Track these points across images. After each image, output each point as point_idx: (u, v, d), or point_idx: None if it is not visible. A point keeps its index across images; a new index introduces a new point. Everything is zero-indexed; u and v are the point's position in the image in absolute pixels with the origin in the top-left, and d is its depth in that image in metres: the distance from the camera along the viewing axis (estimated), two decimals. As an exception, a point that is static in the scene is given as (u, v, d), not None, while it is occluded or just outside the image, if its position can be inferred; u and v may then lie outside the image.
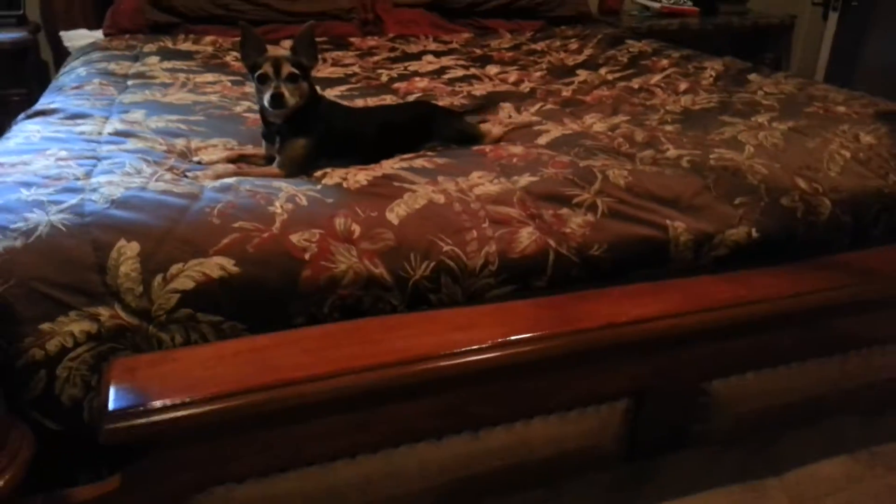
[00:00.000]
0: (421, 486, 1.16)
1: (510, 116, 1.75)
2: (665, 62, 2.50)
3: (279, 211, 1.13)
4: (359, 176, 1.30)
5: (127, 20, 2.74)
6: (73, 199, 1.12)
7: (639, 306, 1.19)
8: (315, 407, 1.02)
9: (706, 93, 2.05)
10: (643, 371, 1.24)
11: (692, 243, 1.27)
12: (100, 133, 1.49)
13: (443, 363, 1.04)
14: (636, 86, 2.18)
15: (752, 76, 2.25)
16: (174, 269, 1.03)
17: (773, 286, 1.26)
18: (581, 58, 2.64)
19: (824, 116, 1.74)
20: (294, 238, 1.09)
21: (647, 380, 1.26)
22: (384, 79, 2.26)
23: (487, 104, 1.89)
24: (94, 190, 1.15)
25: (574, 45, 2.87)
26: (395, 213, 1.18)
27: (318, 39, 2.72)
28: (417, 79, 2.23)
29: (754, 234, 1.31)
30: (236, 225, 1.09)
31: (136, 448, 0.95)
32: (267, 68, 1.36)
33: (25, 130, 1.52)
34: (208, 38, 2.71)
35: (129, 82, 2.04)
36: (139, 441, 0.95)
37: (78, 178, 1.22)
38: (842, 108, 1.80)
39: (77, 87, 1.95)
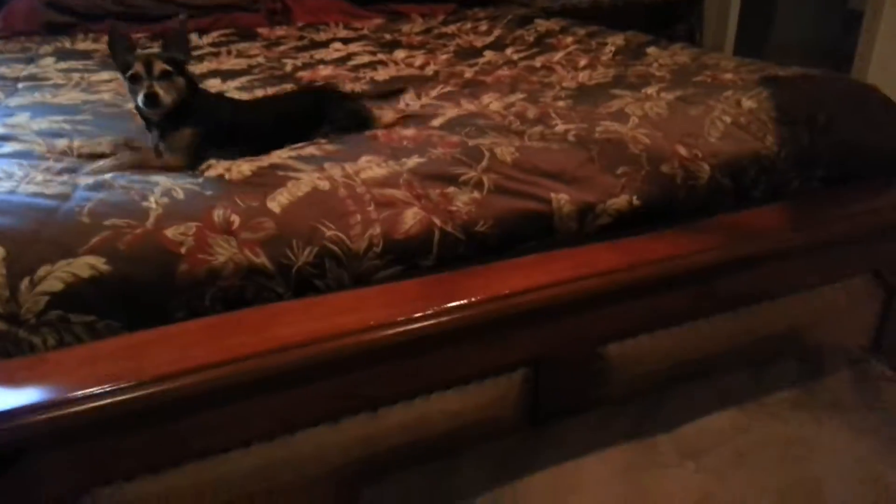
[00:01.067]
0: (321, 470, 1.17)
1: (407, 105, 1.75)
2: (569, 39, 2.54)
3: (153, 206, 1.12)
4: (243, 167, 1.29)
5: (21, 22, 2.65)
6: (-63, 207, 1.08)
7: (525, 278, 1.21)
8: (198, 399, 1.02)
9: (604, 67, 2.10)
10: (537, 340, 1.27)
11: (576, 214, 1.31)
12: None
13: (327, 346, 1.05)
14: (538, 64, 2.21)
15: (651, 49, 2.31)
16: (42, 271, 1.01)
17: (655, 250, 1.30)
18: (489, 39, 2.67)
19: (711, 84, 1.80)
20: (169, 232, 1.08)
21: (543, 349, 1.29)
22: (288, 68, 2.24)
23: (393, 90, 1.89)
24: (-40, 196, 1.12)
25: (484, 27, 2.89)
26: (277, 201, 1.17)
27: (224, 31, 2.71)
28: (322, 67, 2.22)
29: (635, 201, 1.35)
30: (107, 223, 1.07)
31: (9, 455, 0.93)
32: (138, 68, 1.33)
33: None
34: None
35: (20, 85, 1.98)
36: (14, 446, 0.93)
37: (-54, 186, 1.18)
38: (729, 76, 1.86)
39: (-40, 93, 1.87)
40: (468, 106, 1.71)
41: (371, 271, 1.18)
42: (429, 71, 2.15)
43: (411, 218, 1.21)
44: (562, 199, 1.30)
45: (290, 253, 1.12)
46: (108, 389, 0.94)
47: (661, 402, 1.37)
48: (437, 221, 1.22)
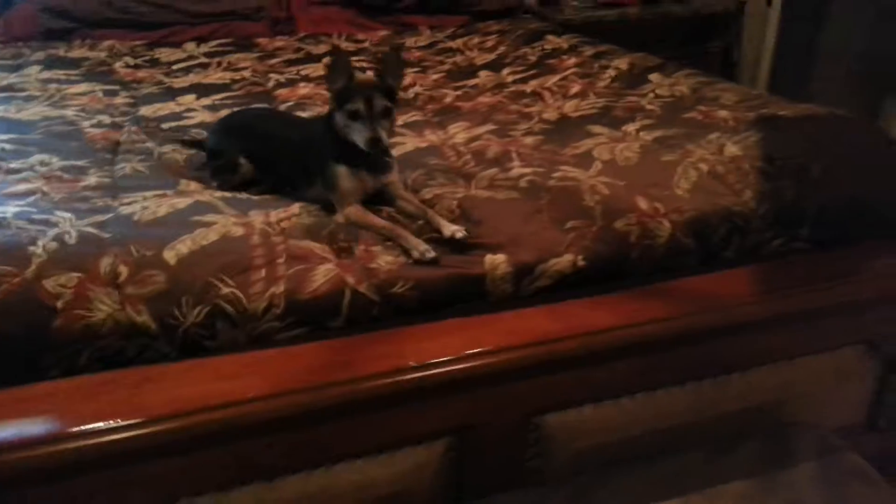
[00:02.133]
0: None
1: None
2: (572, 61, 2.40)
3: (39, 252, 1.05)
4: (161, 207, 1.21)
5: (19, 27, 2.64)
6: None
7: (441, 346, 1.11)
8: (62, 468, 0.95)
9: (595, 96, 1.96)
10: (457, 409, 1.16)
11: (511, 276, 1.19)
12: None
13: (195, 419, 0.96)
14: (529, 89, 2.09)
15: (654, 76, 2.15)
16: None
17: (595, 318, 1.18)
18: (490, 57, 2.55)
19: (700, 123, 1.66)
20: (47, 284, 1.01)
21: (465, 418, 1.18)
22: (270, 84, 2.17)
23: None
24: None
25: (491, 42, 2.77)
26: (175, 251, 1.09)
27: (221, 41, 2.66)
28: (303, 85, 2.14)
29: (580, 262, 1.22)
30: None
31: None
32: (360, 105, 1.22)
33: None
34: (105, 43, 2.62)
35: (-10, 96, 1.95)
36: None
37: None
38: (723, 113, 1.71)
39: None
40: (431, 137, 1.61)
41: (270, 332, 1.08)
42: (410, 93, 2.05)
43: (322, 276, 1.11)
44: (497, 259, 1.19)
45: (177, 312, 1.04)
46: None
47: (601, 484, 1.24)
48: (350, 280, 1.12)
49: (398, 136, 1.62)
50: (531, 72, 2.31)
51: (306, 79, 2.22)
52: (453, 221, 1.24)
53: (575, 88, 2.05)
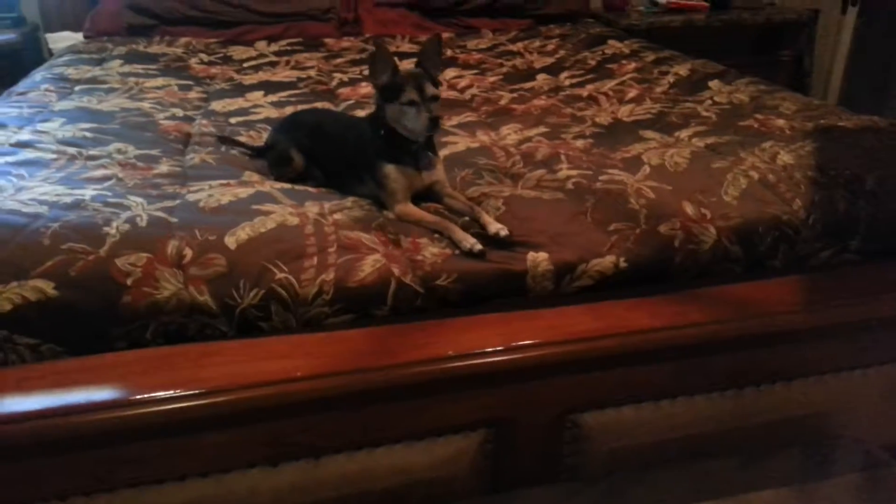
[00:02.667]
0: (253, 512, 1.16)
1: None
2: (632, 66, 2.40)
3: (112, 232, 1.14)
4: (224, 195, 1.29)
5: (105, 23, 2.81)
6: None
7: (478, 339, 1.15)
8: (124, 433, 1.03)
9: (651, 102, 1.97)
10: (495, 402, 1.20)
11: (552, 274, 1.22)
12: (1, 144, 1.53)
13: (253, 393, 1.03)
14: (586, 93, 2.11)
15: (714, 83, 2.14)
16: None
17: (634, 319, 1.20)
18: (550, 60, 2.57)
19: (755, 131, 1.65)
20: (119, 262, 1.10)
21: (503, 411, 1.21)
22: (334, 83, 2.25)
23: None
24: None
25: (552, 46, 2.79)
26: (236, 237, 1.17)
27: (291, 41, 2.77)
28: (364, 84, 2.21)
29: (622, 263, 1.24)
30: (65, 246, 1.10)
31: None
32: (412, 93, 1.28)
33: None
34: (183, 40, 2.75)
35: (77, 88, 2.09)
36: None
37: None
38: (781, 122, 1.70)
39: (22, 94, 2.00)
40: (482, 138, 1.65)
41: (320, 317, 1.15)
42: (467, 94, 2.10)
43: (370, 266, 1.17)
44: (538, 257, 1.22)
45: (235, 293, 1.11)
46: (34, 415, 0.97)
47: (635, 483, 1.26)
48: (396, 271, 1.17)
49: (451, 136, 1.66)
50: (589, 76, 2.32)
51: (357, 77, 2.29)
52: (498, 219, 1.28)
53: (631, 93, 2.06)
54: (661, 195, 1.35)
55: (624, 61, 2.48)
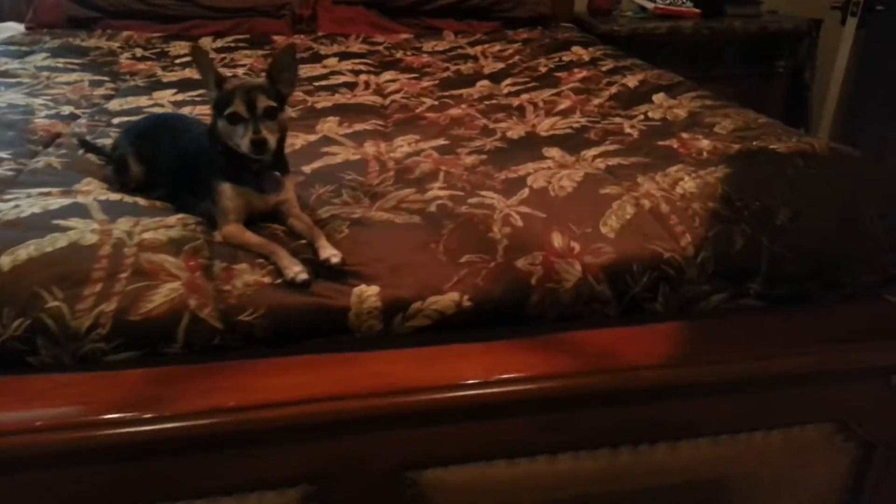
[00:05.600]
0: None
1: (308, 139, 1.56)
2: (582, 74, 2.23)
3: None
4: (34, 206, 1.16)
5: (47, 14, 2.72)
6: None
7: (286, 385, 1.00)
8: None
9: (581, 115, 1.79)
10: (309, 457, 1.04)
11: (379, 312, 1.06)
12: None
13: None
14: (517, 102, 1.94)
15: (658, 96, 1.96)
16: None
17: (461, 367, 1.04)
18: (499, 66, 2.41)
19: (671, 152, 1.47)
20: None
21: (321, 467, 1.06)
22: (255, 84, 2.11)
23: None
24: None
25: (510, 51, 2.63)
26: (14, 256, 1.03)
27: (238, 37, 2.64)
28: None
29: (465, 302, 1.08)
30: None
31: None
32: (238, 106, 1.12)
33: None
34: (124, 34, 2.65)
35: (-17, 81, 1.99)
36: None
37: None
38: (705, 143, 1.51)
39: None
40: (368, 149, 1.50)
41: (97, 354, 1.00)
42: (388, 100, 1.94)
43: (162, 296, 1.02)
44: (366, 292, 1.06)
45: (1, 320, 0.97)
46: None
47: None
48: (192, 303, 1.02)
49: (335, 145, 1.52)
50: (531, 84, 2.15)
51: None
52: (337, 245, 1.13)
53: (563, 104, 1.89)
54: (530, 224, 1.19)
55: (577, 70, 2.31)
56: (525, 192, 1.27)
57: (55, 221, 1.11)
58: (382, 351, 1.06)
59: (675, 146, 1.50)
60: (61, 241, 1.07)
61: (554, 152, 1.48)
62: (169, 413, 0.96)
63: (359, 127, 1.66)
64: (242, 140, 1.12)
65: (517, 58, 2.50)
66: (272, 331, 1.04)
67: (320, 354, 1.05)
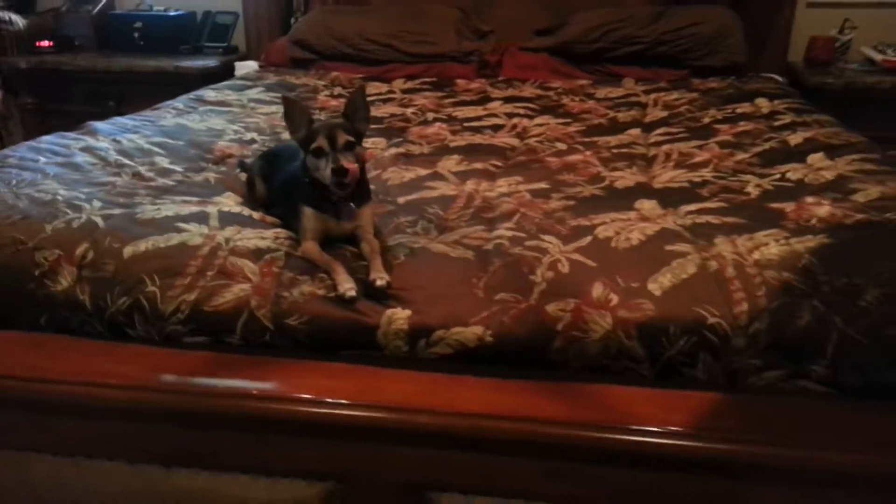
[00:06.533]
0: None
1: (422, 172, 1.69)
2: (743, 127, 2.10)
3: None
4: (171, 210, 1.42)
5: (276, 55, 3.19)
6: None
7: (318, 386, 1.12)
8: None
9: (712, 170, 1.71)
10: (332, 456, 1.15)
11: (405, 334, 1.14)
12: (69, 147, 1.82)
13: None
14: (652, 153, 1.90)
15: (816, 156, 1.77)
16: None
17: (462, 396, 1.08)
18: (662, 115, 2.36)
19: (772, 217, 1.36)
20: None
21: (344, 467, 1.16)
22: (413, 122, 2.30)
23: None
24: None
25: (684, 100, 2.55)
26: (134, 248, 1.28)
27: (425, 80, 2.89)
28: (438, 124, 2.23)
29: (487, 337, 1.12)
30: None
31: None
32: (322, 142, 1.27)
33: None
34: (333, 74, 3.02)
35: (201, 108, 2.41)
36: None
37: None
38: (824, 210, 1.38)
39: (155, 108, 2.37)
40: (468, 187, 1.59)
41: (177, 335, 1.21)
42: (522, 143, 2.01)
43: (233, 294, 1.21)
44: (396, 314, 1.15)
45: (109, 298, 1.23)
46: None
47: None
48: (253, 303, 1.19)
49: (440, 181, 1.63)
50: (682, 134, 2.09)
51: (449, 118, 2.31)
52: (390, 270, 1.23)
53: (699, 158, 1.81)
54: (576, 271, 1.19)
55: (743, 123, 2.18)
56: (587, 240, 1.28)
57: (177, 224, 1.36)
58: (404, 370, 1.14)
59: (788, 210, 1.39)
60: (174, 239, 1.30)
61: (647, 205, 1.45)
62: (221, 391, 1.13)
63: (475, 166, 1.75)
64: (325, 171, 1.27)
65: (684, 107, 2.42)
66: (312, 336, 1.17)
67: (350, 364, 1.16)
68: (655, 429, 1.02)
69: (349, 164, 1.27)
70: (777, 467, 1.02)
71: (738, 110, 2.36)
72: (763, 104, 2.42)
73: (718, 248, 1.23)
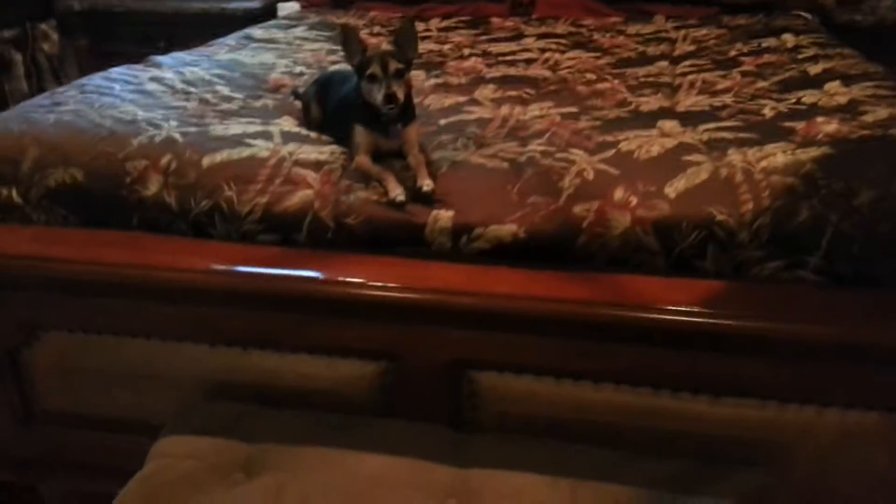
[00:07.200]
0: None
1: (461, 99, 1.84)
2: (767, 59, 2.20)
3: (137, 142, 1.50)
4: (239, 129, 1.60)
5: (318, -4, 3.32)
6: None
7: (375, 274, 1.30)
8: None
9: (733, 96, 1.82)
10: (386, 336, 1.34)
11: (449, 231, 1.31)
12: (139, 77, 1.99)
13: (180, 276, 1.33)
14: (677, 82, 2.02)
15: (833, 84, 1.87)
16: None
17: (509, 282, 1.25)
18: (690, 48, 2.45)
19: (783, 133, 1.49)
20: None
21: (395, 346, 1.34)
22: (449, 58, 2.43)
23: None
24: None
25: (713, 35, 2.63)
26: (211, 159, 1.46)
27: (460, 19, 3.00)
28: (473, 58, 2.36)
29: (521, 233, 1.29)
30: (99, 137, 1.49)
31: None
32: (375, 68, 1.41)
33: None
34: (371, 14, 3.14)
35: (251, 45, 2.56)
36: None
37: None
38: (832, 127, 1.50)
39: (208, 46, 2.53)
40: (503, 111, 1.74)
41: (252, 234, 1.40)
42: (554, 74, 2.14)
43: (299, 198, 1.38)
44: (441, 215, 1.32)
45: (192, 201, 1.42)
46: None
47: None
48: (317, 205, 1.37)
49: (478, 106, 1.78)
50: (708, 66, 2.19)
51: (484, 52, 2.44)
52: (435, 178, 1.39)
53: (722, 85, 1.93)
54: (600, 178, 1.34)
55: (767, 55, 2.27)
56: (611, 152, 1.42)
57: (246, 140, 1.53)
58: (448, 263, 1.32)
59: (798, 128, 1.51)
60: (245, 152, 1.48)
61: (669, 125, 1.58)
62: (289, 278, 1.32)
63: (509, 94, 1.89)
64: (378, 95, 1.42)
65: (713, 42, 2.51)
66: (368, 234, 1.35)
67: (401, 258, 1.34)
68: (666, 307, 1.18)
69: (399, 89, 1.42)
70: (768, 340, 1.18)
71: (764, 44, 2.44)
72: (789, 39, 2.50)
73: (730, 158, 1.36)
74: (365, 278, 1.30)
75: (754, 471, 1.22)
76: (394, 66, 1.42)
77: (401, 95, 1.42)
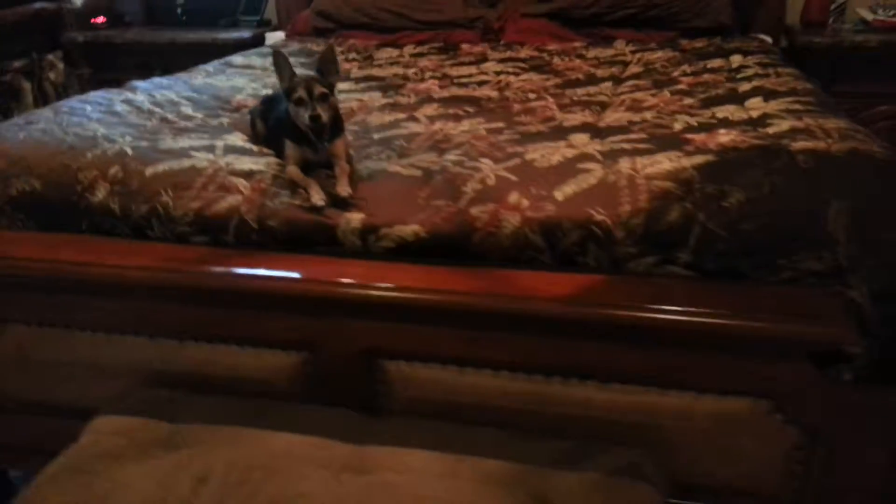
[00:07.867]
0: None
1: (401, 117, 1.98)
2: (703, 78, 2.32)
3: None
4: (184, 144, 1.75)
5: (301, 25, 3.51)
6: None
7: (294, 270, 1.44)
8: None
9: (655, 113, 1.94)
10: (305, 326, 1.46)
11: (358, 232, 1.44)
12: (112, 100, 2.17)
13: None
14: (609, 100, 2.15)
15: (754, 100, 2.00)
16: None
17: (404, 275, 1.37)
18: (638, 70, 2.58)
19: (679, 144, 1.60)
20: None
21: (313, 336, 1.47)
22: (409, 81, 2.57)
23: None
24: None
25: (665, 57, 2.76)
26: (154, 169, 1.61)
27: (433, 45, 3.17)
28: (431, 81, 2.51)
29: (422, 233, 1.41)
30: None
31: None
32: (301, 93, 1.54)
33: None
34: (349, 42, 3.32)
35: (228, 70, 2.74)
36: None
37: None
38: (727, 139, 1.61)
39: (188, 71, 2.71)
40: (434, 127, 1.87)
41: (185, 235, 1.54)
42: (498, 95, 2.27)
43: (228, 203, 1.53)
44: (353, 217, 1.46)
45: (132, 206, 1.56)
46: None
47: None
48: (243, 210, 1.51)
49: (417, 123, 1.91)
50: (648, 87, 2.31)
51: (445, 77, 2.58)
52: (354, 185, 1.53)
53: (648, 103, 2.05)
54: (500, 184, 1.47)
55: (706, 75, 2.40)
56: (515, 161, 1.55)
57: (190, 152, 1.68)
58: (358, 260, 1.45)
59: (697, 139, 1.63)
60: (186, 163, 1.63)
61: (579, 138, 1.70)
62: (217, 274, 1.46)
63: (448, 111, 2.03)
64: (304, 117, 1.56)
65: (661, 64, 2.64)
66: (288, 235, 1.49)
67: (318, 256, 1.47)
68: (549, 297, 1.30)
69: (324, 112, 1.56)
70: (642, 329, 1.29)
71: (710, 65, 2.56)
72: (736, 60, 2.63)
73: (619, 166, 1.48)
74: (285, 274, 1.43)
75: (631, 451, 1.31)
76: (318, 90, 1.57)
77: (325, 117, 1.57)
